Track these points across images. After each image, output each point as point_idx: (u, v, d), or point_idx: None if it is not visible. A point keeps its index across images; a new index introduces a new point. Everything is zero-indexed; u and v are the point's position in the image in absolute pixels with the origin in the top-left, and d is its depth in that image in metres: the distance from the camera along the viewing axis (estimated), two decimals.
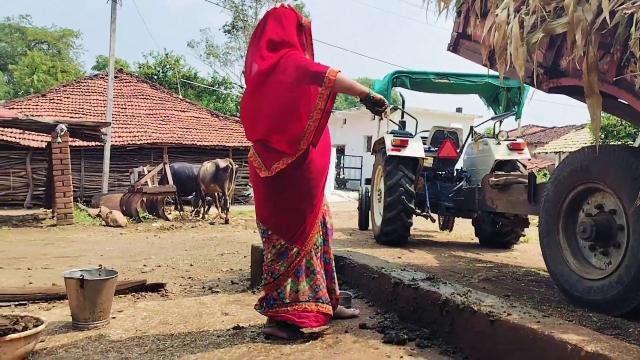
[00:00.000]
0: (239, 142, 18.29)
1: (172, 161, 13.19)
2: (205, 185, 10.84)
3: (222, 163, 10.65)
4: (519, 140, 6.49)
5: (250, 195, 18.72)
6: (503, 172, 5.69)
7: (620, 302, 2.73)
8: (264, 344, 2.64)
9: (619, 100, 3.33)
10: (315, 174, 2.74)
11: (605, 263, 3.01)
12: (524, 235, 6.51)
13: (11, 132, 14.40)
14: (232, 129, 19.11)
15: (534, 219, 6.42)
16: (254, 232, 8.78)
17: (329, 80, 2.55)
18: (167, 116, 18.69)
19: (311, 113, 2.58)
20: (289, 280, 2.71)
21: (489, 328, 2.38)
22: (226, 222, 10.18)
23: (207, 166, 10.87)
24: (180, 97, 21.70)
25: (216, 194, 11.17)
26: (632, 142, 18.62)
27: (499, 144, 6.41)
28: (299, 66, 2.57)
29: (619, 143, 19.31)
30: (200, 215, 11.22)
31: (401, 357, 2.46)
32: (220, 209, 11.15)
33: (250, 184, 18.91)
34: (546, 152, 25.10)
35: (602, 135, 22.56)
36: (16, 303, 3.43)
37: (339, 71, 2.59)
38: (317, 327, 2.73)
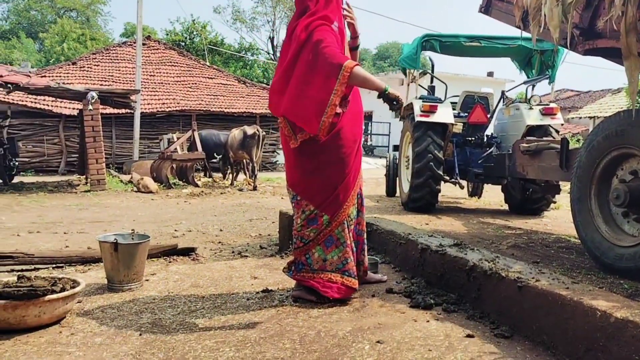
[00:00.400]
0: (266, 109, 18.29)
1: (200, 128, 13.33)
2: (233, 152, 10.95)
3: (250, 130, 10.70)
4: (552, 105, 6.31)
5: (277, 162, 18.84)
6: (534, 138, 5.58)
7: None
8: (292, 307, 2.70)
9: None
10: (345, 141, 2.73)
11: (638, 230, 2.95)
12: (554, 202, 6.40)
13: (44, 100, 14.72)
14: (259, 96, 19.11)
15: (565, 186, 6.32)
16: (282, 198, 8.87)
17: (343, 76, 2.54)
18: (195, 83, 18.79)
19: (326, 106, 2.56)
20: (318, 247, 2.75)
21: (516, 294, 2.38)
22: (254, 188, 10.31)
23: (235, 133, 10.95)
24: (208, 64, 21.72)
25: (244, 160, 11.28)
26: None
27: (531, 108, 6.25)
28: (318, 53, 2.56)
29: None
30: (229, 182, 11.37)
31: (428, 321, 2.49)
32: (248, 176, 11.26)
33: (279, 151, 19.06)
34: (580, 117, 24.38)
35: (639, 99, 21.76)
36: (54, 266, 3.58)
37: (356, 65, 2.57)
38: (339, 297, 2.76)
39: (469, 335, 2.29)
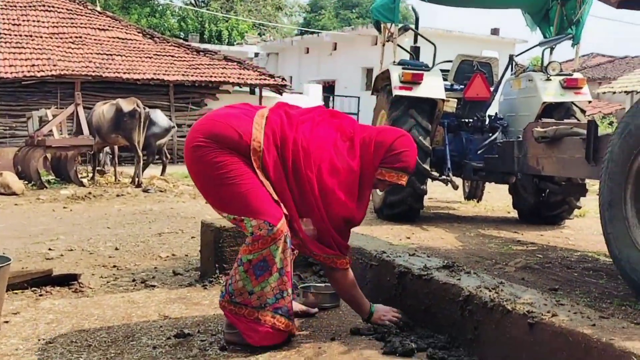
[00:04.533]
0: (183, 74, 18.14)
1: (88, 102, 13.03)
2: (102, 136, 10.83)
3: (126, 105, 10.61)
4: (576, 75, 6.50)
5: None
6: (553, 120, 5.72)
7: None
8: (217, 358, 2.68)
9: None
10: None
11: None
12: (579, 208, 6.61)
13: None
14: (173, 56, 18.91)
15: (593, 185, 6.53)
16: (206, 203, 8.78)
17: None
18: (80, 37, 18.40)
19: None
20: (242, 272, 2.77)
21: (527, 334, 2.43)
22: (138, 185, 10.47)
23: (104, 109, 10.83)
24: (99, 9, 21.28)
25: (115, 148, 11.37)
26: None
27: (548, 79, 6.42)
28: None
29: None
30: (94, 177, 11.31)
31: None
32: (135, 170, 11.12)
33: None
34: (614, 92, 25.23)
35: None
36: None
37: None
38: (266, 345, 2.77)
39: None
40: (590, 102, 7.05)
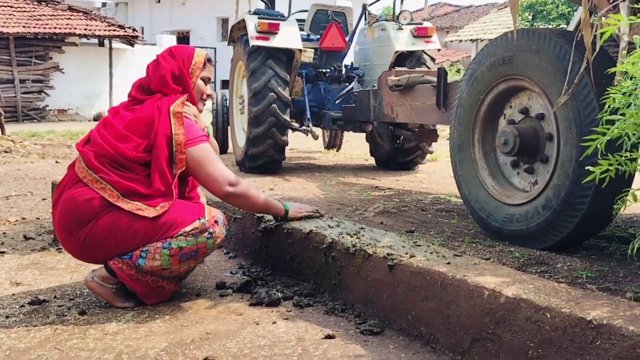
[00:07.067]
0: (23, 26, 16.93)
1: None
2: None
3: None
4: (426, 24, 6.70)
5: (47, 108, 17.65)
6: (405, 69, 5.88)
7: (547, 232, 3.01)
8: (77, 322, 2.57)
9: None
10: None
11: (530, 183, 3.28)
12: (431, 152, 6.90)
13: None
14: (12, 7, 17.66)
15: (444, 130, 6.83)
16: (57, 162, 8.35)
17: None
18: None
19: None
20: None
21: (387, 275, 2.52)
22: None
23: None
24: None
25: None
26: (565, 25, 20.12)
27: (400, 29, 6.58)
28: None
29: (550, 27, 20.77)
30: None
31: (274, 322, 2.54)
32: None
33: (48, 90, 17.82)
34: (460, 40, 26.42)
35: (529, 17, 24.19)
36: None
37: None
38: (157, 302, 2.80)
39: (328, 336, 2.39)
40: (439, 50, 7.32)
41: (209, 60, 3.00)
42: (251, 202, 2.93)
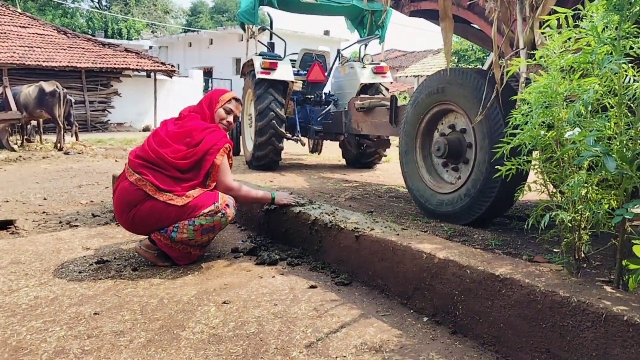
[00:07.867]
0: (92, 62, 16.70)
1: (14, 85, 11.69)
2: (29, 112, 9.97)
3: (48, 87, 9.89)
4: (382, 64, 6.71)
5: (109, 122, 17.46)
6: (367, 96, 5.88)
7: (467, 213, 3.03)
8: (131, 276, 2.55)
9: (472, 25, 3.53)
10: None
11: (455, 178, 3.30)
12: (385, 156, 6.92)
13: None
14: (83, 48, 17.32)
15: (394, 140, 6.85)
16: (116, 161, 8.26)
17: None
18: (4, 33, 16.34)
19: None
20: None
21: (354, 243, 2.53)
22: (60, 149, 9.67)
23: (29, 90, 9.98)
24: (19, 10, 18.95)
25: (40, 121, 10.46)
26: (481, 66, 20.31)
27: (364, 67, 6.58)
28: None
29: (470, 66, 20.83)
30: (23, 144, 10.35)
31: (273, 276, 2.53)
32: (57, 138, 10.25)
33: (110, 109, 17.59)
34: (406, 76, 26.43)
35: (455, 59, 24.27)
36: None
37: None
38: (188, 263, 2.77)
39: (312, 286, 2.38)
40: (391, 83, 7.33)
41: (235, 99, 3.00)
42: (241, 199, 2.92)
